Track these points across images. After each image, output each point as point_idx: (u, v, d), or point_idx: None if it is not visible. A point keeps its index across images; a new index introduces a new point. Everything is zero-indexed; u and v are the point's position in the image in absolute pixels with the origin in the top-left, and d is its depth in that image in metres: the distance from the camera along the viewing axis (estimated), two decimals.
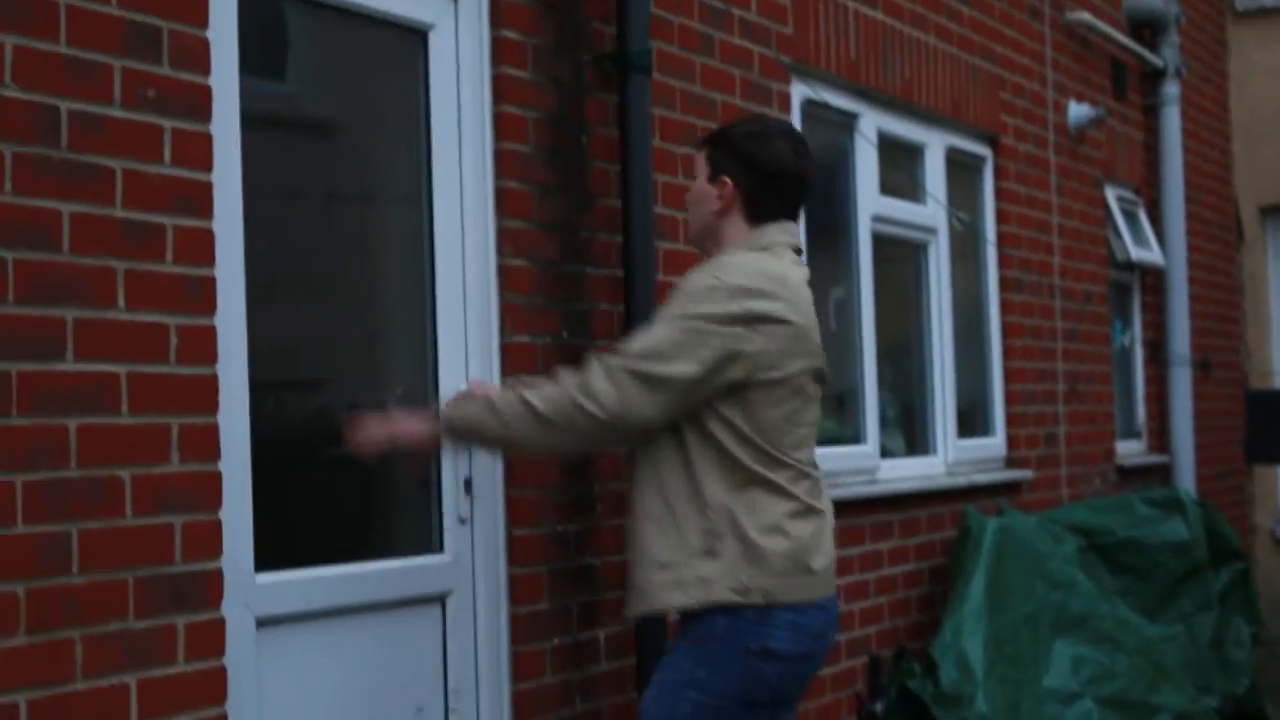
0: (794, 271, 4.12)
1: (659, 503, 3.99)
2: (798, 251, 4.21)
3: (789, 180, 4.18)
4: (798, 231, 4.27)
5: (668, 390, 3.90)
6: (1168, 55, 10.22)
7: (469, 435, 4.06)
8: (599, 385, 3.92)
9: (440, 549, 4.56)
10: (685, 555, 3.94)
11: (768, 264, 4.06)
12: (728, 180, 4.16)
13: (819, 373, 4.15)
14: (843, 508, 6.30)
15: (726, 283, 3.95)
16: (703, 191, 4.21)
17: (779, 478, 3.99)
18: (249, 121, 3.97)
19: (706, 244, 4.24)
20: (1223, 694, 7.52)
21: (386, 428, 4.06)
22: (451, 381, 4.58)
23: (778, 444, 4.00)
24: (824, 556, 4.07)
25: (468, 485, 4.61)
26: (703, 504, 3.94)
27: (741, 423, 3.96)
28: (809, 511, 4.06)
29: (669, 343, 3.92)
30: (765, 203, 4.16)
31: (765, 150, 4.15)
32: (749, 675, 3.94)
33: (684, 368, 3.90)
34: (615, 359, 3.96)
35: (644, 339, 3.98)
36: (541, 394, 3.95)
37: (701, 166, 4.23)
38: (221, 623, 3.76)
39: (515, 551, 4.70)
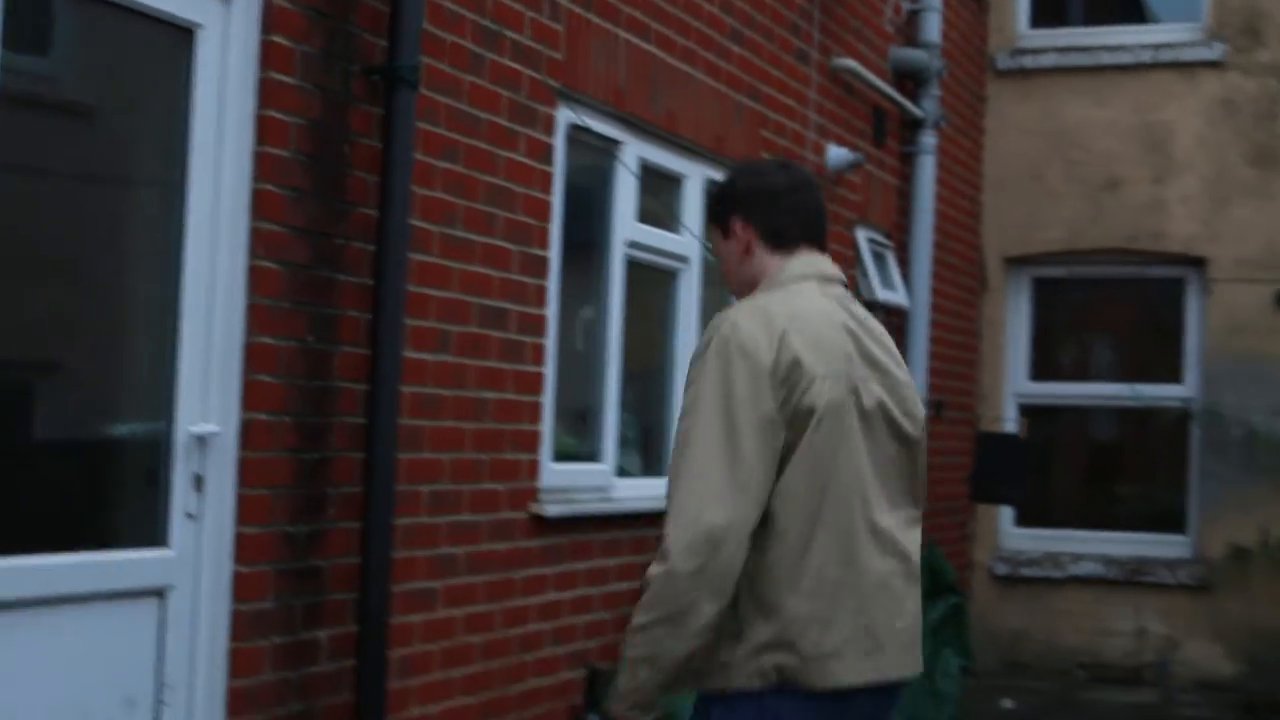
0: (817, 304, 3.81)
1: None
2: (835, 282, 3.93)
3: (791, 194, 3.97)
4: (828, 262, 3.97)
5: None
6: (928, 107, 10.57)
7: (641, 692, 3.73)
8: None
9: (165, 543, 4.59)
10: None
11: (772, 305, 3.74)
12: (737, 221, 3.96)
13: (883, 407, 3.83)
14: (575, 524, 6.46)
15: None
16: (726, 251, 4.01)
17: None
18: (5, 99, 3.96)
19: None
20: None
21: None
22: (192, 379, 4.61)
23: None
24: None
25: (198, 481, 4.64)
26: None
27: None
28: None
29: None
30: (781, 226, 3.93)
31: (761, 179, 3.99)
32: None
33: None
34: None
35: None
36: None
37: (715, 236, 4.06)
38: None
39: (243, 549, 4.74)
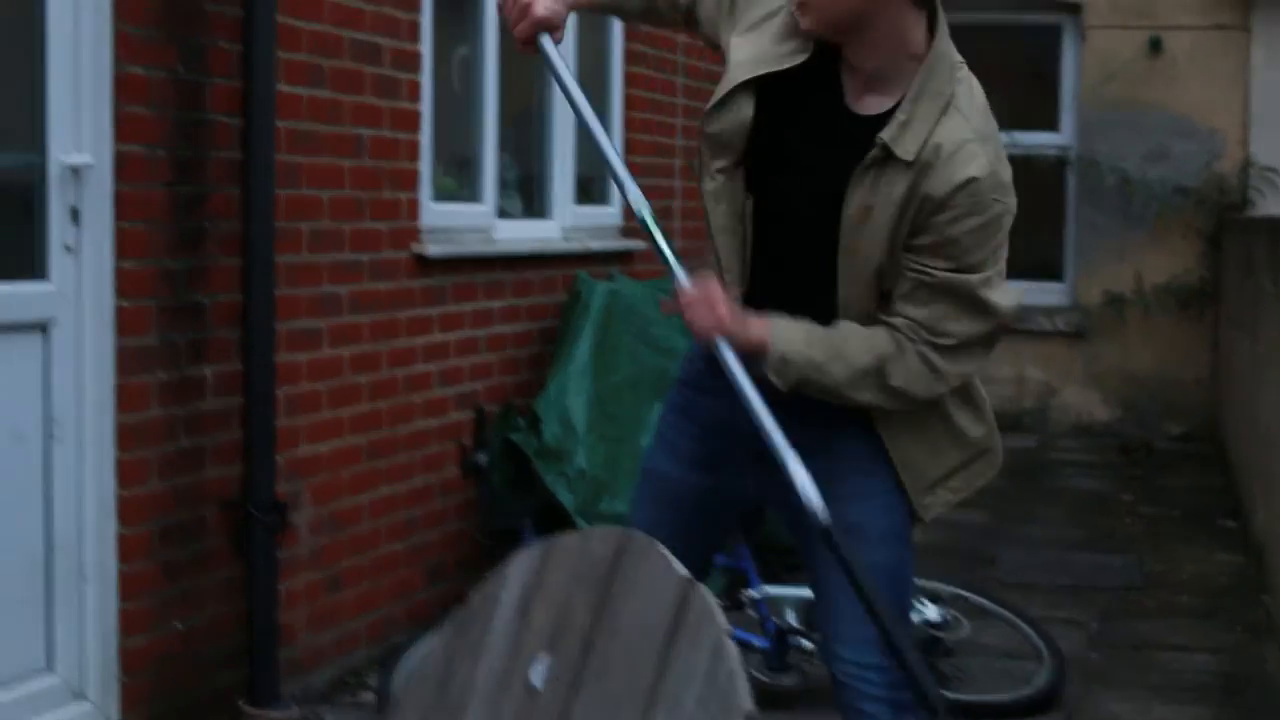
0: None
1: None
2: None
3: None
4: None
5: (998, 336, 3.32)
6: None
7: (801, 375, 3.26)
8: (940, 361, 3.23)
9: (45, 276, 4.52)
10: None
11: (994, 126, 3.25)
12: None
13: None
14: (458, 264, 6.44)
15: (1011, 207, 3.22)
16: None
17: None
18: None
19: (848, 36, 3.22)
20: None
21: (720, 320, 3.24)
22: (61, 109, 4.50)
23: None
24: None
25: (74, 214, 4.56)
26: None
27: None
28: None
29: (997, 312, 3.25)
30: None
31: None
32: None
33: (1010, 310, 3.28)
34: (945, 340, 3.23)
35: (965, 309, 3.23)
36: (882, 349, 3.23)
37: None
38: None
39: (123, 283, 4.69)
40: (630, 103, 8.22)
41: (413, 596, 6.28)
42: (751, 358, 3.22)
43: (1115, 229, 12.25)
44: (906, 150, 3.14)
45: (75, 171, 4.53)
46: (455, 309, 6.51)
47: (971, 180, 3.13)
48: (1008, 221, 3.20)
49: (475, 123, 6.89)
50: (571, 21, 7.20)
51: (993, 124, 3.22)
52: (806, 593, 5.94)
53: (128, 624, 4.78)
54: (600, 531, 2.95)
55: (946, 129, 3.16)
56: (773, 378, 3.22)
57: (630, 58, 8.20)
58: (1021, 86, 13.08)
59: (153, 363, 4.80)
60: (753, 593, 5.80)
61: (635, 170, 7.94)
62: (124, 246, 4.69)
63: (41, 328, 4.51)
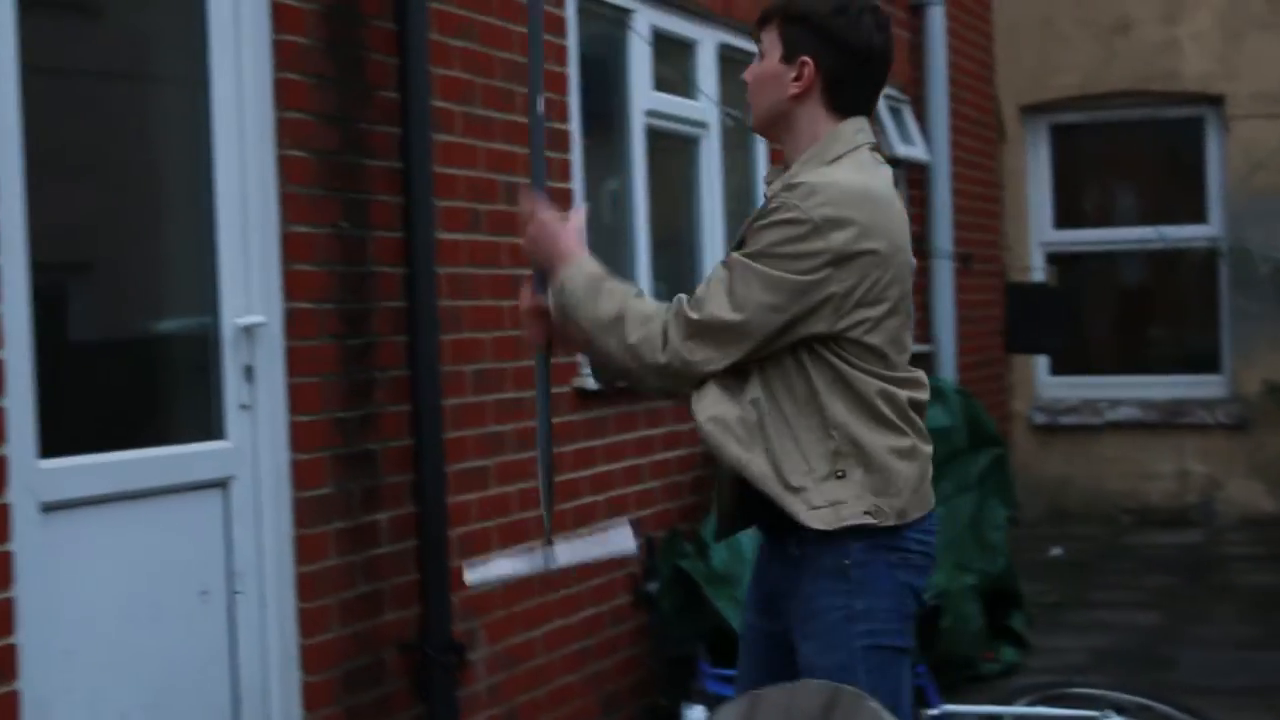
0: (878, 179, 3.66)
1: (785, 427, 3.59)
2: (875, 150, 3.73)
3: (877, 63, 3.70)
4: (870, 132, 3.74)
5: (741, 344, 3.53)
6: None
7: (563, 303, 3.69)
8: (671, 327, 3.55)
9: (223, 435, 4.64)
10: (813, 480, 3.57)
11: (851, 178, 3.58)
12: (808, 60, 3.63)
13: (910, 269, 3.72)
14: (617, 396, 6.50)
15: (811, 215, 3.49)
16: (775, 72, 3.67)
17: (899, 396, 3.62)
18: (24, 7, 3.96)
19: (776, 132, 3.77)
20: (980, 572, 7.88)
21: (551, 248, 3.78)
22: (233, 272, 4.64)
23: (892, 359, 3.61)
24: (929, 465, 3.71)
25: (249, 372, 4.68)
26: (827, 425, 3.56)
27: (858, 349, 3.56)
28: (920, 433, 3.67)
29: (747, 298, 3.51)
30: (850, 89, 3.67)
31: (853, 28, 3.64)
32: (898, 589, 3.61)
33: (762, 320, 3.51)
34: (694, 313, 3.54)
35: (719, 289, 3.55)
36: (619, 290, 3.67)
37: (772, 44, 3.69)
38: (6, 508, 3.81)
39: (297, 437, 4.79)
40: None
41: None
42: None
43: (1271, 317, 12.09)
44: (774, 189, 3.62)
45: (248, 331, 4.66)
46: (618, 439, 6.57)
47: (793, 185, 3.54)
48: (806, 236, 3.47)
49: (628, 253, 6.98)
50: (716, 142, 7.29)
51: (857, 183, 3.56)
52: (988, 709, 5.89)
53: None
54: (808, 685, 2.96)
55: (813, 173, 3.59)
56: (550, 300, 3.71)
57: None
58: (1167, 180, 13.04)
59: (329, 512, 4.90)
60: (933, 711, 5.75)
61: None
62: (297, 401, 4.80)
63: (221, 485, 4.63)
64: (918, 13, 10.52)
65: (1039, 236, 12.92)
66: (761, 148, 8.16)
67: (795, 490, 3.55)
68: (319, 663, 4.86)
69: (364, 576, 5.05)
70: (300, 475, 4.80)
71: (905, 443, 3.60)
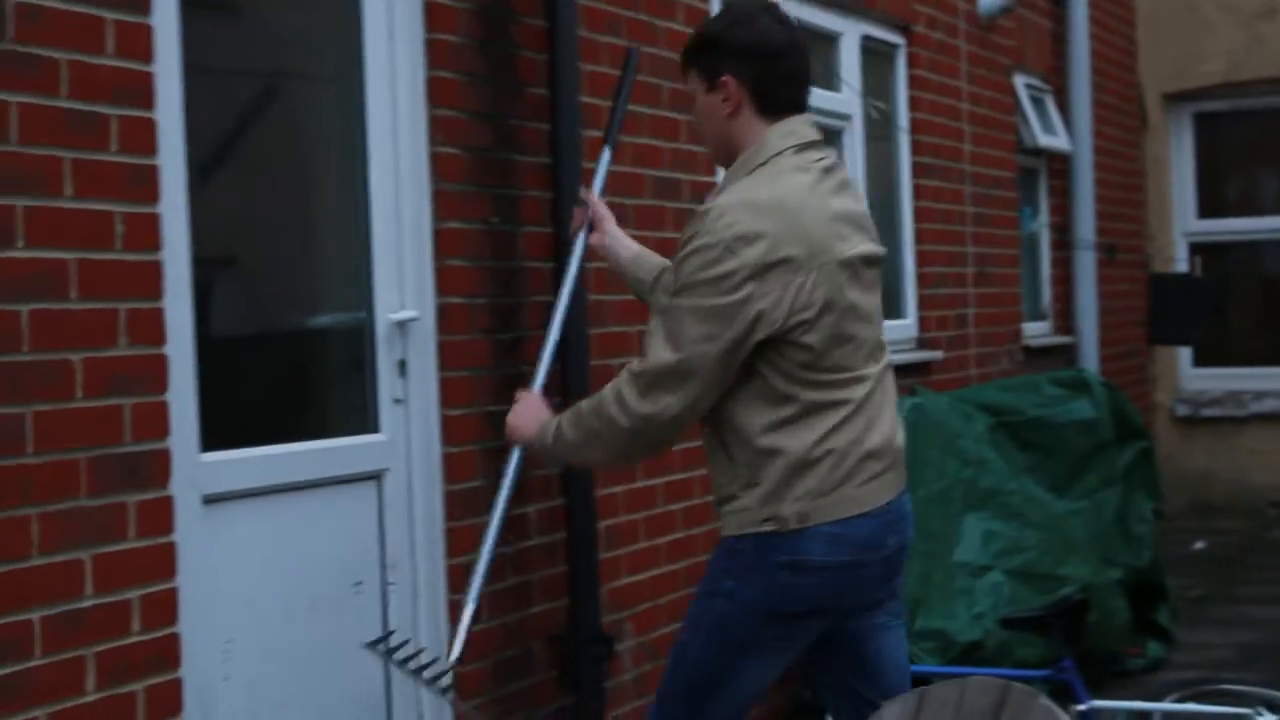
0: (792, 185, 3.77)
1: (715, 440, 3.89)
2: (812, 146, 3.88)
3: (788, 57, 3.87)
4: (806, 124, 3.90)
5: (691, 380, 3.71)
6: None
7: (546, 455, 4.17)
8: (625, 390, 3.81)
9: (377, 429, 4.70)
10: (739, 488, 3.81)
11: (759, 191, 3.75)
12: (729, 77, 3.85)
13: (864, 259, 3.86)
14: None
15: (721, 237, 3.66)
16: (708, 105, 3.91)
17: (825, 396, 3.75)
18: (186, 9, 4.04)
19: (730, 158, 3.93)
20: (1126, 566, 7.80)
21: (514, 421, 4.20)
22: (386, 268, 4.70)
23: (821, 363, 3.74)
24: (876, 462, 3.82)
25: (402, 366, 4.74)
26: (748, 436, 3.76)
27: (782, 357, 3.72)
28: (856, 412, 3.78)
29: (680, 335, 3.70)
30: (773, 89, 3.85)
31: (754, 33, 3.84)
32: (775, 587, 3.78)
33: (701, 351, 3.68)
34: (639, 368, 3.79)
35: (657, 337, 3.76)
36: (578, 409, 3.96)
37: (695, 82, 3.94)
38: (170, 500, 3.88)
39: (449, 430, 4.85)
40: (920, 215, 8.24)
41: None
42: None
43: None
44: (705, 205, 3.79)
45: (401, 326, 4.72)
46: None
47: (704, 211, 3.71)
48: (719, 258, 3.63)
49: None
50: (859, 134, 7.26)
51: (767, 194, 3.71)
52: (1137, 705, 5.83)
53: None
54: (977, 682, 2.95)
55: (726, 193, 3.79)
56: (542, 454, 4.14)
57: (918, 170, 8.23)
58: None
59: (479, 505, 4.93)
60: (1081, 707, 5.69)
61: (927, 280, 8.01)
62: (448, 395, 4.85)
63: (375, 478, 4.69)
64: (1060, 1, 10.41)
65: (1182, 226, 12.76)
66: (905, 138, 8.13)
67: (723, 502, 3.87)
68: (470, 653, 4.90)
69: (513, 568, 5.09)
70: (451, 468, 4.85)
71: (822, 448, 3.72)
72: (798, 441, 3.73)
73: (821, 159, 3.88)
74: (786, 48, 3.86)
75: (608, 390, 3.87)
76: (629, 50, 4.81)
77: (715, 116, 3.90)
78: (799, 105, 3.91)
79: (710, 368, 3.69)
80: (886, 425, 3.88)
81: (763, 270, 3.64)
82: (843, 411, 3.76)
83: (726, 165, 3.95)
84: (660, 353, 3.73)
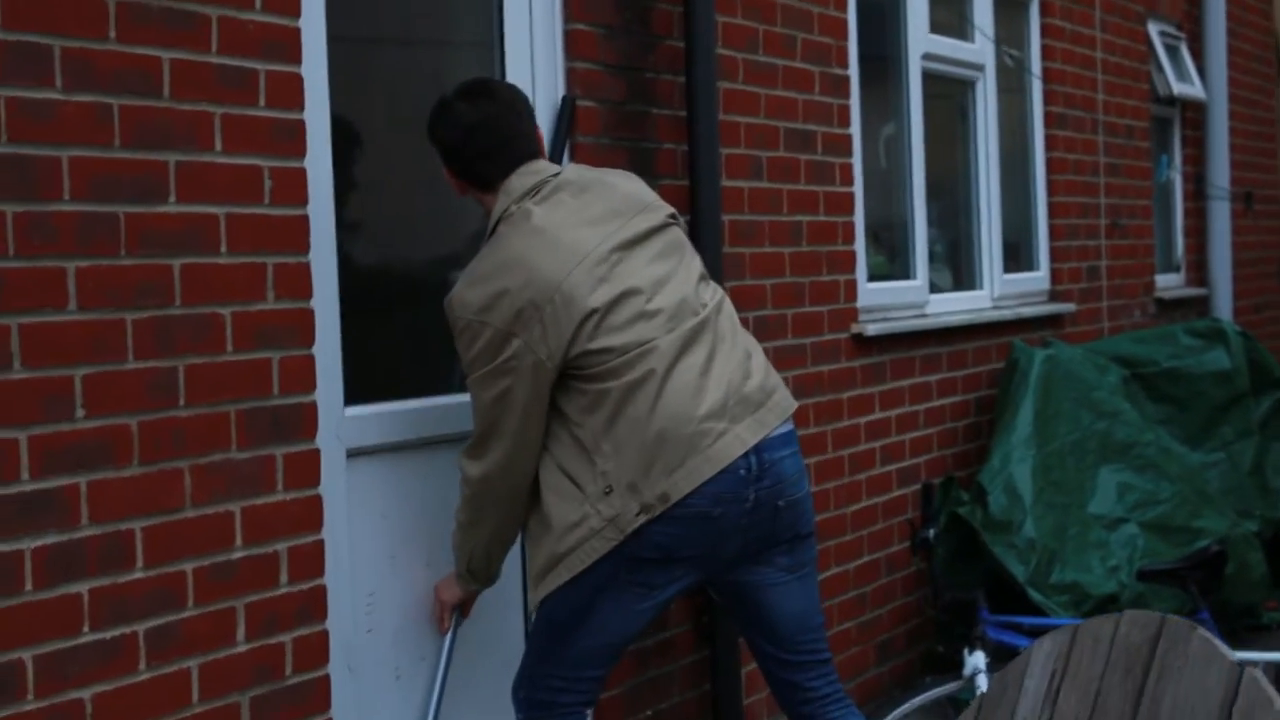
0: (514, 236, 4.00)
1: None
2: (535, 190, 4.06)
3: (482, 132, 4.08)
4: (524, 175, 4.08)
5: (499, 437, 3.99)
6: None
7: (468, 563, 4.27)
8: (464, 469, 4.10)
9: None
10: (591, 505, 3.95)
11: (486, 260, 4.00)
12: (448, 171, 4.20)
13: (631, 240, 4.03)
14: (892, 341, 6.48)
15: (468, 317, 3.94)
16: (455, 186, 4.24)
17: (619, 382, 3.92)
18: None
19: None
20: (1263, 518, 7.68)
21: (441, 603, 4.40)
22: None
23: (590, 366, 3.92)
24: (716, 421, 3.93)
25: None
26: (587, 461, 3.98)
27: (577, 361, 3.93)
28: (666, 383, 3.92)
29: (477, 404, 4.00)
30: (478, 167, 4.12)
31: (444, 123, 4.13)
32: (608, 585, 3.99)
33: (497, 410, 3.96)
34: (464, 447, 4.12)
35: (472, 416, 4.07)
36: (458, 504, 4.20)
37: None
38: (316, 454, 3.93)
39: None
40: (1052, 165, 8.15)
41: (865, 673, 6.30)
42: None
43: None
44: None
45: None
46: (894, 386, 6.55)
47: (448, 302, 4.01)
48: (476, 331, 3.92)
49: (903, 200, 6.93)
50: (991, 85, 7.17)
51: (489, 262, 3.97)
52: (1277, 656, 5.75)
53: (601, 715, 4.92)
54: (1134, 615, 2.92)
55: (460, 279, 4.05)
56: (467, 584, 4.31)
57: (1050, 120, 8.13)
58: None
59: None
60: None
61: (1059, 233, 7.91)
62: None
63: None
64: None
65: None
66: (1038, 87, 8.04)
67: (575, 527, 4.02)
68: None
69: None
70: None
71: (597, 467, 3.90)
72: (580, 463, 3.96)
73: (545, 192, 4.06)
74: (477, 127, 4.08)
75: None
76: (564, 97, 4.79)
77: (463, 195, 4.24)
78: (506, 171, 4.09)
79: (513, 419, 3.96)
80: (721, 380, 3.98)
81: (514, 320, 3.88)
82: (650, 388, 3.90)
83: None
84: (474, 425, 4.05)
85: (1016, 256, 7.95)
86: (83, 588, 3.35)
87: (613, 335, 3.89)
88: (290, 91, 3.85)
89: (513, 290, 3.88)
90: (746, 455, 3.95)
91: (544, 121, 4.73)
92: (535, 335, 3.87)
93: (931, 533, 6.41)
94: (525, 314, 3.87)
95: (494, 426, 3.97)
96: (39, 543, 3.27)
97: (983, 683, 5.31)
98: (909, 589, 6.61)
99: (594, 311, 3.89)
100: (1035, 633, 5.48)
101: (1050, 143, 8.14)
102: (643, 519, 3.87)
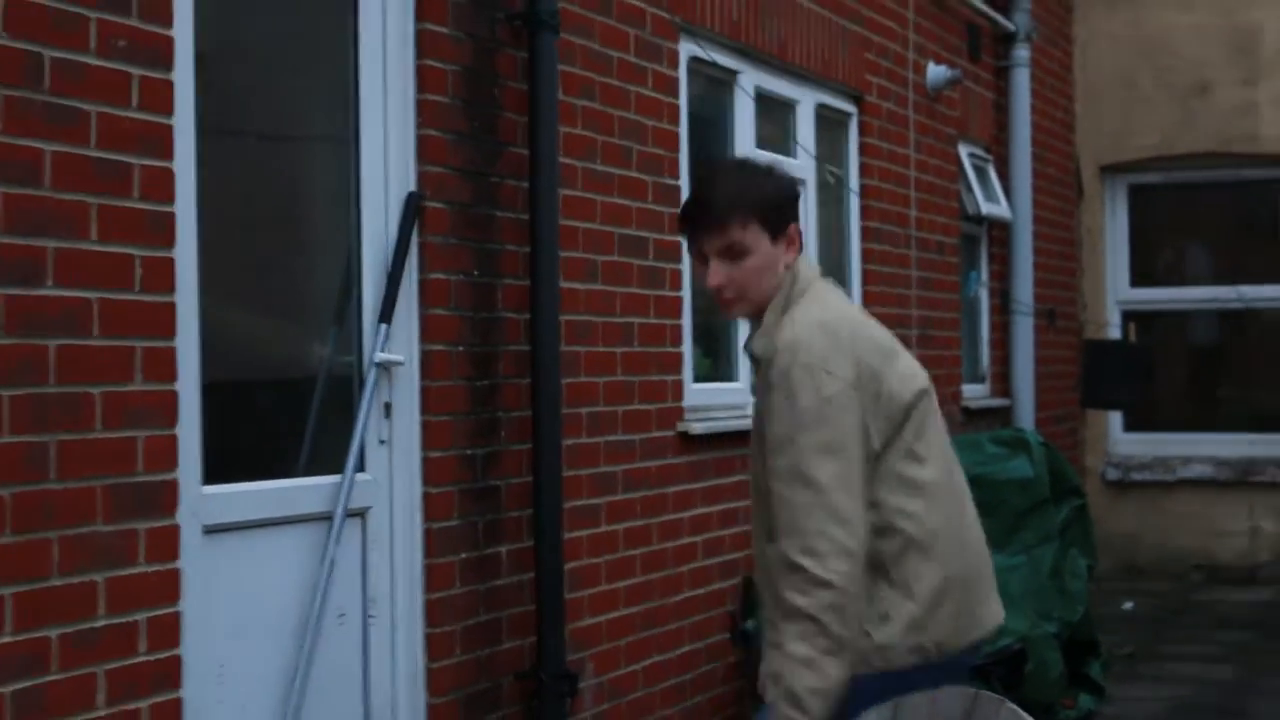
0: (835, 301, 3.88)
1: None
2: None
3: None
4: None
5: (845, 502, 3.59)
6: (1019, 20, 10.78)
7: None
8: (805, 563, 3.51)
9: (363, 468, 4.92)
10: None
11: (823, 314, 3.74)
12: (795, 224, 3.86)
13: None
14: (716, 439, 6.77)
15: (810, 361, 3.63)
16: (770, 257, 3.78)
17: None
18: (201, 68, 4.29)
19: (762, 307, 3.82)
20: (1060, 621, 8.07)
21: None
22: (375, 315, 4.94)
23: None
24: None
25: (388, 409, 4.98)
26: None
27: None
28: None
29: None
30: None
31: (773, 176, 3.91)
32: None
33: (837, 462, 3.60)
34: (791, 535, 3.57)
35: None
36: (792, 636, 3.52)
37: (755, 238, 3.75)
38: (176, 529, 4.11)
39: (429, 471, 5.09)
40: (867, 277, 8.55)
41: None
42: None
43: None
44: (755, 345, 3.78)
45: (387, 370, 4.95)
46: (716, 483, 6.84)
47: (777, 355, 3.65)
48: (802, 391, 3.58)
49: None
50: (813, 198, 7.53)
51: (816, 334, 3.65)
52: None
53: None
54: (950, 690, 3.21)
55: (783, 331, 3.70)
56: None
57: (867, 234, 8.54)
58: (1243, 241, 13.18)
59: (456, 544, 5.18)
60: None
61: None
62: (429, 437, 5.09)
63: (360, 515, 4.91)
64: (1002, 74, 10.80)
65: (1116, 294, 13.10)
66: (855, 202, 8.44)
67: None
68: (443, 685, 5.13)
69: (485, 605, 5.32)
70: (431, 507, 5.09)
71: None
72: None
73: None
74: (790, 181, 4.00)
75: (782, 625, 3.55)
76: (409, 193, 5.00)
77: (776, 265, 3.80)
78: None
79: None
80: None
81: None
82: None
83: (757, 315, 3.84)
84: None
85: None
86: None
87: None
88: (162, 184, 4.06)
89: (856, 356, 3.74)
90: None
91: (392, 220, 4.99)
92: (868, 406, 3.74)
93: (751, 625, 6.70)
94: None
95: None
96: None
97: None
98: (728, 679, 6.87)
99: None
100: None
101: (866, 255, 8.54)
102: None
